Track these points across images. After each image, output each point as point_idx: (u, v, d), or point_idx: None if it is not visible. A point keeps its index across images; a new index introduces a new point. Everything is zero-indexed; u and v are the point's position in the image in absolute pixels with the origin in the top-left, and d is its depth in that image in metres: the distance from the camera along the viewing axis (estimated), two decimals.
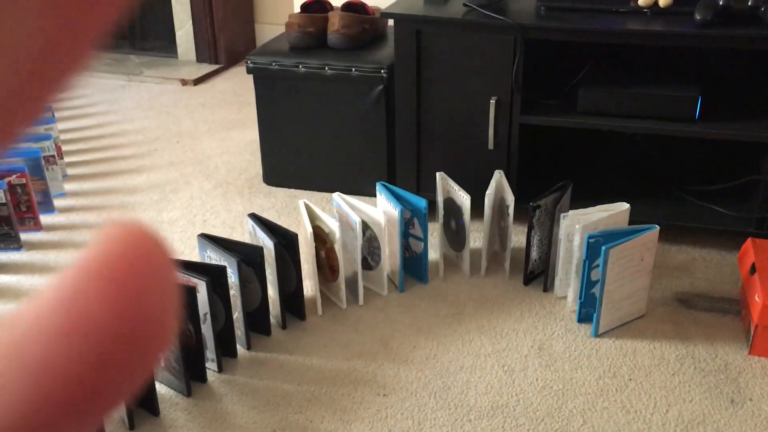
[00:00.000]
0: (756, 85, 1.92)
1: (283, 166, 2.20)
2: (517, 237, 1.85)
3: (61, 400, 0.09)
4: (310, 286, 1.69)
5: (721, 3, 1.63)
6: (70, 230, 2.00)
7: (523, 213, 1.75)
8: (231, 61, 3.29)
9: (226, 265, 1.50)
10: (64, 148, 2.33)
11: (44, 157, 2.04)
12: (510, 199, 1.71)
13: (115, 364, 0.09)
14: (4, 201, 1.82)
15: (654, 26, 1.69)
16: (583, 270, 1.54)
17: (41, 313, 0.09)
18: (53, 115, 2.28)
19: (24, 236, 1.93)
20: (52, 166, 2.10)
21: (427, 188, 1.96)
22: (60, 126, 2.43)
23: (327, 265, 1.68)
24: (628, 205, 1.61)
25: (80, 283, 0.09)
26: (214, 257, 1.57)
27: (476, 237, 1.90)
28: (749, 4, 1.63)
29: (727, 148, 1.91)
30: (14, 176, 1.89)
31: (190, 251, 1.90)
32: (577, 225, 1.56)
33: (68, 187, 2.22)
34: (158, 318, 0.10)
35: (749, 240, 1.64)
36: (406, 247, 1.76)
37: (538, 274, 1.74)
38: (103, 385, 0.09)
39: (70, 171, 2.31)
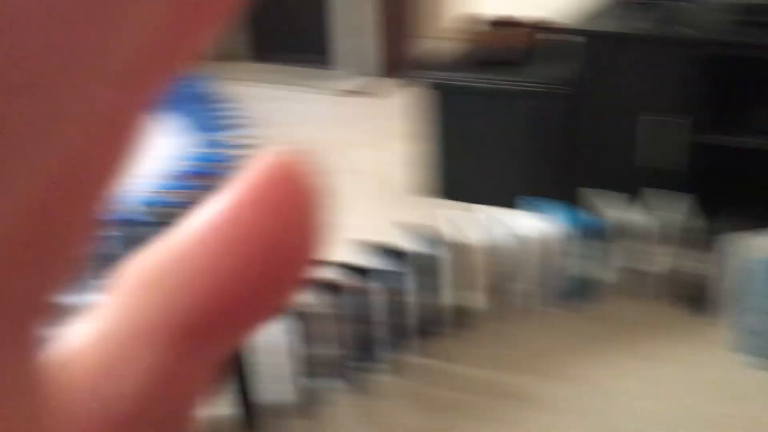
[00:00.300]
0: None
1: (448, 179, 2.21)
2: (688, 261, 1.76)
3: (224, 307, 0.10)
4: (473, 297, 1.68)
5: None
6: None
7: (695, 236, 1.66)
8: (391, 73, 3.35)
9: (398, 272, 1.52)
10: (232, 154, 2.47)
11: (219, 165, 2.17)
12: (684, 221, 1.63)
13: (271, 274, 0.10)
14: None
15: None
16: (754, 298, 1.44)
17: (203, 228, 0.10)
18: (227, 126, 2.42)
19: None
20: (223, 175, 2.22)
21: (595, 207, 1.90)
22: (227, 134, 2.56)
23: (490, 278, 1.67)
24: None
25: (237, 199, 0.10)
26: (385, 264, 1.60)
27: (644, 259, 1.82)
28: None
29: None
30: (194, 177, 2.03)
31: (358, 258, 1.94)
32: (750, 251, 1.46)
33: None
34: (306, 234, 0.10)
35: None
36: (570, 265, 1.71)
37: (706, 299, 1.64)
38: (261, 291, 0.10)
39: None
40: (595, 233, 1.65)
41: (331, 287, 1.48)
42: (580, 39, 1.81)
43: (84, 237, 0.08)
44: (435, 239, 1.64)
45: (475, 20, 2.23)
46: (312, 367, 1.42)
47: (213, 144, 2.28)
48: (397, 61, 3.52)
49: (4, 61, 0.06)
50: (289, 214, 0.10)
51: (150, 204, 1.94)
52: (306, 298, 1.50)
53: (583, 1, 2.14)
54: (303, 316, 1.41)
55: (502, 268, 1.62)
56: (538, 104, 2.02)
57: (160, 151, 2.69)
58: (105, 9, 0.07)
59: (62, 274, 0.08)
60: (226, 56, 3.85)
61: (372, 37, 3.40)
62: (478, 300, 1.66)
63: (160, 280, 0.10)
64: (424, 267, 1.58)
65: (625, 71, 1.78)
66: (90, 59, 0.07)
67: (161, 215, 1.92)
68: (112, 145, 0.08)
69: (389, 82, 3.41)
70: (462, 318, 1.65)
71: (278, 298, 0.10)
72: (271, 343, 1.37)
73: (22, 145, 0.07)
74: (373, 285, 1.48)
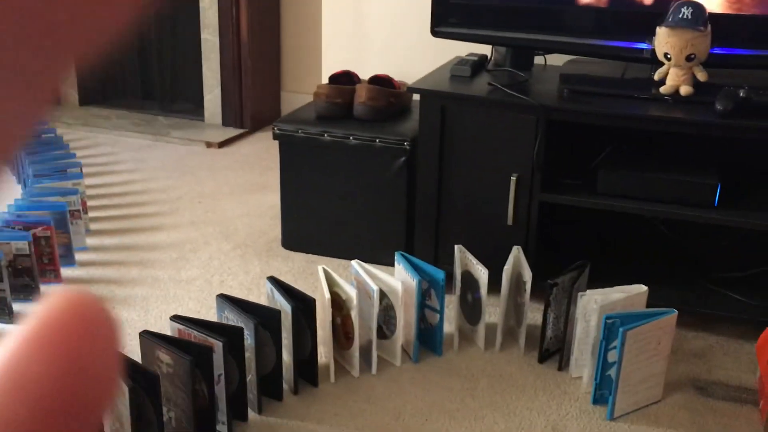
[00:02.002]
0: None
1: (302, 231, 2.23)
2: (533, 314, 1.85)
3: None
4: (324, 352, 1.68)
5: (741, 95, 1.67)
6: (90, 284, 2.02)
7: (540, 290, 1.75)
8: (255, 126, 3.37)
9: (243, 327, 1.50)
10: (88, 203, 2.38)
11: (70, 211, 2.08)
12: (527, 275, 1.71)
13: (61, 421, 0.10)
14: (27, 252, 1.85)
15: (675, 114, 1.73)
16: (600, 351, 1.53)
17: None
18: (81, 171, 2.33)
19: (44, 288, 1.95)
20: (77, 221, 2.13)
21: (444, 260, 1.97)
22: (86, 181, 2.47)
23: (342, 332, 1.68)
24: (647, 287, 1.61)
25: (24, 347, 0.10)
26: (231, 318, 1.58)
27: (492, 312, 1.89)
28: None
29: (748, 235, 1.92)
30: (40, 228, 1.93)
31: (207, 311, 1.90)
32: (594, 305, 1.56)
33: (90, 241, 2.25)
34: (100, 376, 0.10)
35: None
36: (421, 318, 1.76)
37: (553, 352, 1.73)
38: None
39: (93, 226, 2.35)
40: (439, 285, 1.71)
41: (173, 343, 1.44)
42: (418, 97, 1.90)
43: None
44: (294, 293, 1.63)
45: (329, 76, 2.29)
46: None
47: (42, 192, 2.18)
48: (268, 115, 3.56)
49: None
50: (80, 350, 0.10)
51: None
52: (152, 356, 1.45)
53: (428, 62, 2.24)
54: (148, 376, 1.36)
55: (357, 322, 1.63)
56: (378, 159, 2.08)
57: None
58: None
59: None
60: (86, 100, 3.74)
61: (243, 91, 3.42)
62: (330, 355, 1.66)
63: None
64: (278, 321, 1.56)
65: (463, 131, 1.87)
66: None
67: None
68: None
69: (257, 136, 3.43)
70: (312, 374, 1.64)
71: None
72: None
73: None
74: (217, 341, 1.45)
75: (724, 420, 1.56)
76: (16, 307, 1.85)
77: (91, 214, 2.39)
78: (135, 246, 2.26)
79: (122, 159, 2.97)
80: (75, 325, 0.10)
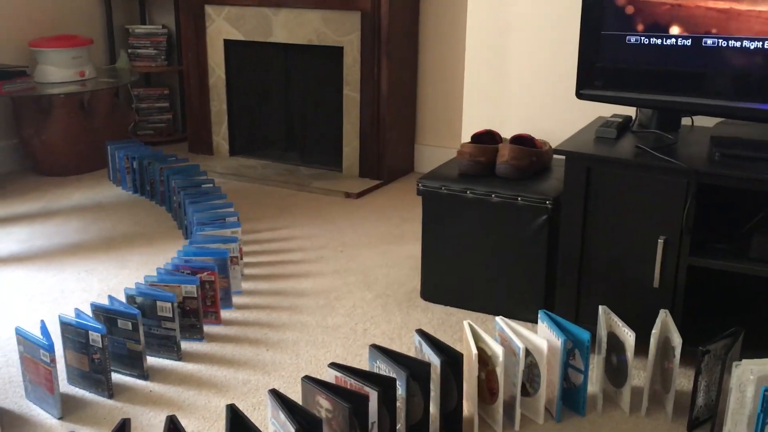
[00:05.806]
0: None
1: (441, 284, 2.30)
2: (681, 380, 1.82)
3: None
4: (468, 406, 1.73)
5: None
6: (245, 326, 2.17)
7: (687, 355, 1.73)
8: (390, 178, 3.50)
9: (396, 378, 1.58)
10: (244, 249, 2.55)
11: (230, 257, 2.25)
12: (677, 340, 1.70)
13: None
14: (195, 295, 2.02)
15: None
16: (757, 425, 1.49)
17: None
18: (238, 220, 2.52)
19: (206, 328, 2.11)
20: (235, 266, 2.30)
21: (585, 319, 1.99)
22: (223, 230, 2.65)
23: (486, 388, 1.72)
24: None
25: None
26: (383, 368, 1.66)
27: (637, 375, 1.88)
28: None
29: None
30: (205, 273, 2.10)
31: (353, 357, 2.00)
32: (751, 375, 1.52)
33: (245, 285, 2.42)
34: None
35: None
36: (565, 377, 1.77)
37: (703, 421, 1.69)
38: None
39: (246, 271, 2.52)
40: (584, 346, 1.72)
41: (333, 390, 1.53)
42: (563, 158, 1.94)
43: None
44: (442, 347, 1.69)
45: (471, 135, 2.36)
46: None
47: (205, 239, 2.36)
48: (402, 167, 3.67)
49: None
50: None
51: (135, 295, 1.94)
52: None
53: (568, 122, 2.28)
54: None
55: (502, 378, 1.67)
56: (519, 217, 2.13)
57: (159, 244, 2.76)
58: None
59: None
60: (235, 151, 4.00)
61: (381, 144, 3.56)
62: (475, 409, 1.70)
63: None
64: (428, 374, 1.62)
65: (608, 192, 1.89)
66: None
67: (144, 306, 1.94)
68: None
69: (392, 186, 3.54)
70: (457, 427, 1.69)
71: None
72: None
73: None
74: (372, 389, 1.53)
75: None
76: (183, 345, 2.02)
77: (245, 259, 2.56)
78: (284, 292, 2.40)
79: (268, 206, 3.17)
80: None
